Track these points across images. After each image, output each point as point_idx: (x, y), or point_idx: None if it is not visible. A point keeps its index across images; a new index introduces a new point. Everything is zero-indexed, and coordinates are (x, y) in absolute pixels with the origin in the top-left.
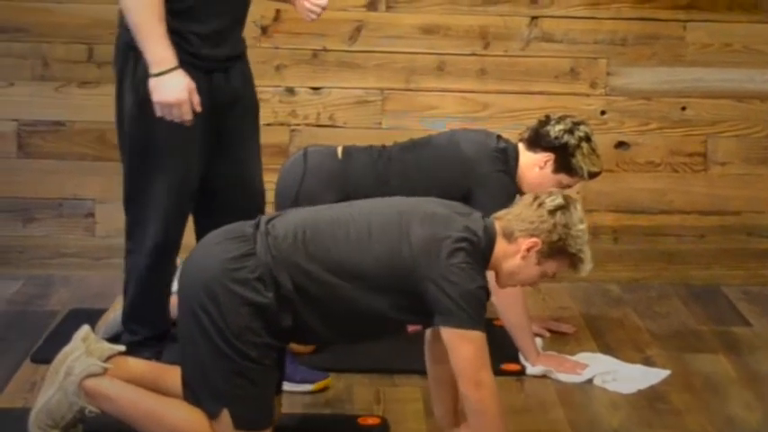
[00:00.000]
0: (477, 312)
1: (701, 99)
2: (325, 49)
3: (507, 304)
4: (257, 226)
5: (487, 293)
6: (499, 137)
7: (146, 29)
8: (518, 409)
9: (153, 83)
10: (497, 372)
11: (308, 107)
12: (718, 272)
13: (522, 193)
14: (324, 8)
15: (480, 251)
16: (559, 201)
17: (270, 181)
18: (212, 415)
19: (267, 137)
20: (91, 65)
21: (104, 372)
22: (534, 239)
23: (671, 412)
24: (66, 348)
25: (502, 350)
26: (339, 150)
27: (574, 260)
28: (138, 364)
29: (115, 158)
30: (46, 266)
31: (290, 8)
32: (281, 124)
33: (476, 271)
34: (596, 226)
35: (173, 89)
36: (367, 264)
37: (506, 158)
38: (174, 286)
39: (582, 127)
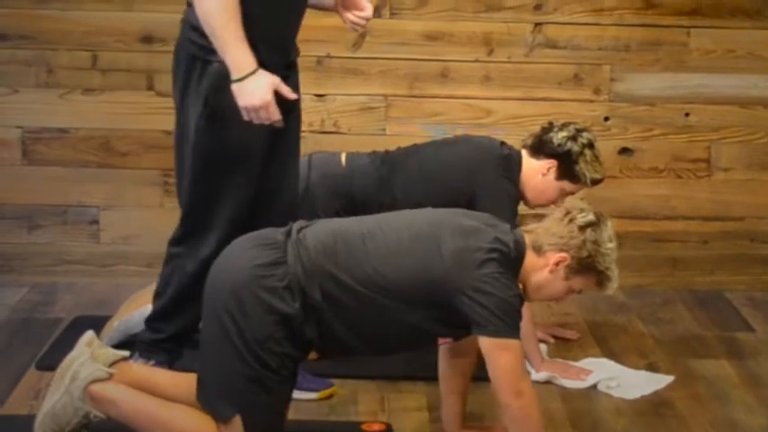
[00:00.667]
0: (513, 321)
1: (705, 105)
2: (329, 56)
3: None
4: (289, 234)
5: (521, 301)
6: (503, 143)
7: (225, 33)
8: None
9: (236, 88)
10: None
11: (313, 114)
12: (722, 278)
13: (524, 199)
14: (368, 20)
15: (511, 261)
16: (591, 217)
17: None
18: (224, 419)
19: None
20: (95, 72)
21: (110, 377)
22: (563, 254)
23: (675, 417)
24: (72, 353)
25: None
26: (343, 157)
27: (601, 277)
28: (142, 370)
29: (119, 165)
30: (50, 274)
31: None
32: None
33: (509, 279)
34: None
35: (256, 92)
36: (399, 276)
37: (509, 165)
38: None
39: (585, 134)
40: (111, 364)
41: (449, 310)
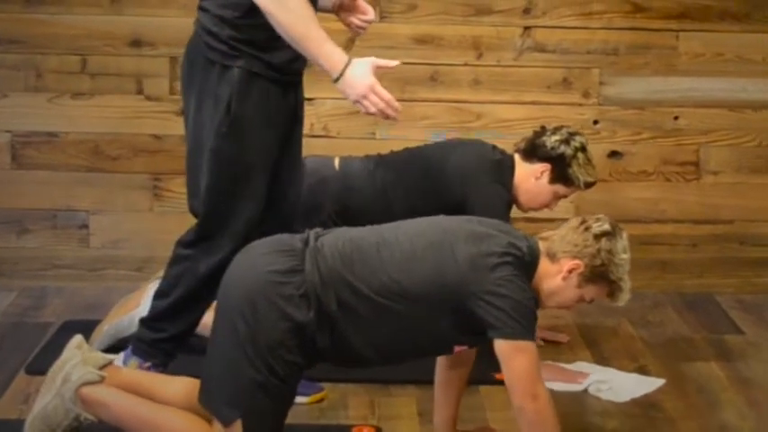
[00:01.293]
0: (528, 323)
1: (694, 108)
2: None
3: None
4: (306, 242)
5: (536, 304)
6: (494, 147)
7: (310, 40)
8: (512, 418)
9: (340, 86)
10: (491, 381)
11: None
12: (712, 280)
13: (518, 203)
14: (371, 23)
15: (525, 265)
16: (606, 227)
17: None
18: (226, 422)
19: None
20: (84, 76)
21: (101, 380)
22: (577, 261)
23: (664, 420)
24: (63, 356)
25: (494, 359)
26: (336, 161)
27: (613, 287)
28: (132, 374)
29: (109, 170)
30: (40, 278)
31: None
32: None
33: (523, 282)
34: None
35: (358, 82)
36: (413, 283)
37: (502, 169)
38: None
39: (577, 137)
40: (102, 368)
41: (464, 316)
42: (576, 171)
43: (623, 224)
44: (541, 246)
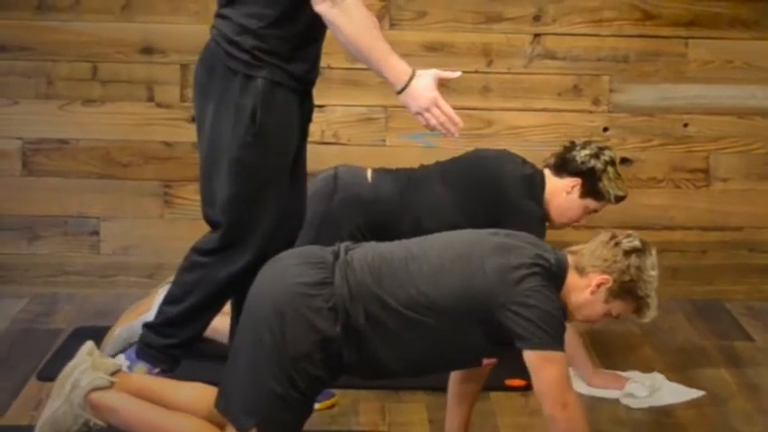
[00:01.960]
0: (557, 332)
1: (703, 116)
2: (329, 67)
3: None
4: (337, 255)
5: (564, 314)
6: (524, 161)
7: (376, 52)
8: (523, 425)
9: (403, 98)
10: (502, 387)
11: (313, 125)
12: (721, 287)
13: (548, 218)
14: None
15: (553, 276)
16: (636, 243)
17: None
18: (241, 430)
19: None
20: (95, 83)
21: (111, 385)
22: (606, 276)
23: (675, 427)
24: (73, 362)
25: (505, 365)
26: (369, 173)
27: (640, 304)
28: (142, 380)
29: (120, 176)
30: (51, 284)
31: None
32: None
33: (552, 293)
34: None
35: (423, 93)
36: (441, 295)
37: (533, 185)
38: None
39: (607, 151)
40: (112, 374)
41: (493, 327)
42: (607, 185)
43: (633, 230)
44: (570, 259)
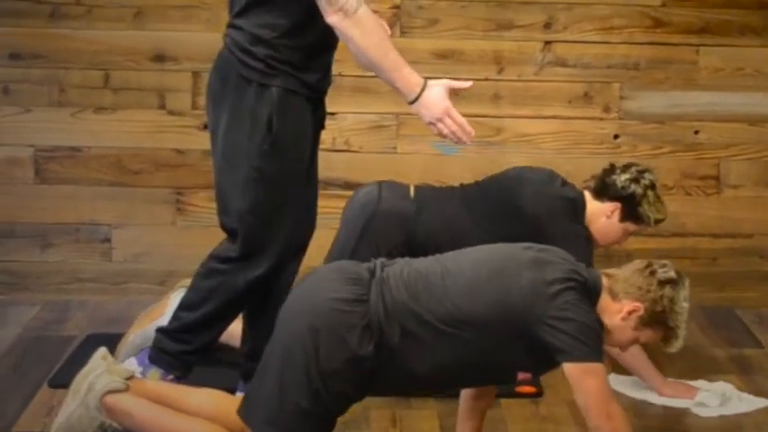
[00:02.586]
0: (596, 344)
1: (714, 123)
2: (340, 75)
3: None
4: (373, 272)
5: (601, 326)
6: (564, 182)
7: (388, 62)
8: (531, 430)
9: (415, 108)
10: (512, 394)
11: (324, 132)
12: (732, 294)
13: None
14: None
15: (588, 291)
16: (672, 274)
17: None
18: None
19: None
20: (107, 91)
21: (126, 388)
22: (638, 304)
23: None
24: (87, 366)
25: None
26: (411, 189)
27: (669, 334)
28: (156, 385)
29: (131, 184)
30: (63, 292)
31: None
32: None
33: (587, 305)
34: (609, 249)
35: (436, 103)
36: (478, 311)
37: (576, 209)
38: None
39: (647, 175)
40: (126, 380)
41: (531, 342)
42: (647, 209)
43: (643, 238)
44: (604, 281)
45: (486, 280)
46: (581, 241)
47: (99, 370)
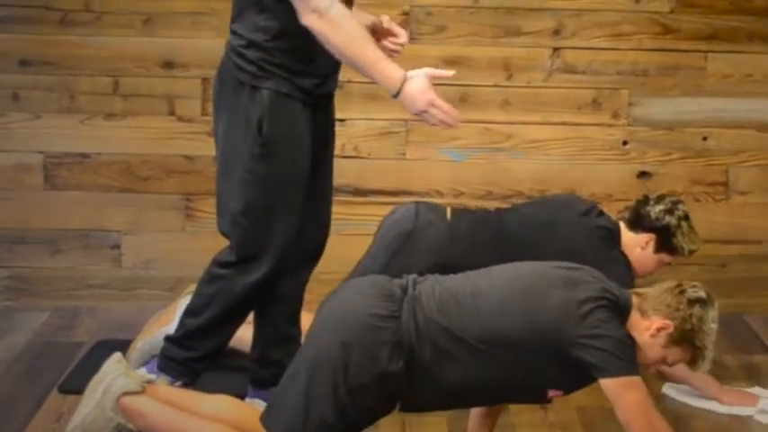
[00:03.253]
0: (631, 359)
1: (723, 129)
2: (349, 81)
3: None
4: (405, 290)
5: (633, 342)
6: (601, 212)
7: (363, 62)
8: None
9: (399, 101)
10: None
11: None
12: (741, 300)
13: None
14: (404, 45)
15: (619, 309)
16: (701, 294)
17: None
18: None
19: None
20: (116, 97)
21: (143, 390)
22: (667, 322)
23: None
24: (103, 369)
25: None
26: (448, 212)
27: (696, 354)
28: (170, 390)
29: (141, 190)
30: (72, 298)
31: None
32: None
33: (618, 322)
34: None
35: (418, 96)
36: (511, 331)
37: (613, 239)
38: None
39: (680, 206)
40: (143, 383)
41: (565, 360)
42: (681, 240)
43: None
44: (634, 300)
45: (517, 299)
46: (621, 267)
47: (116, 372)
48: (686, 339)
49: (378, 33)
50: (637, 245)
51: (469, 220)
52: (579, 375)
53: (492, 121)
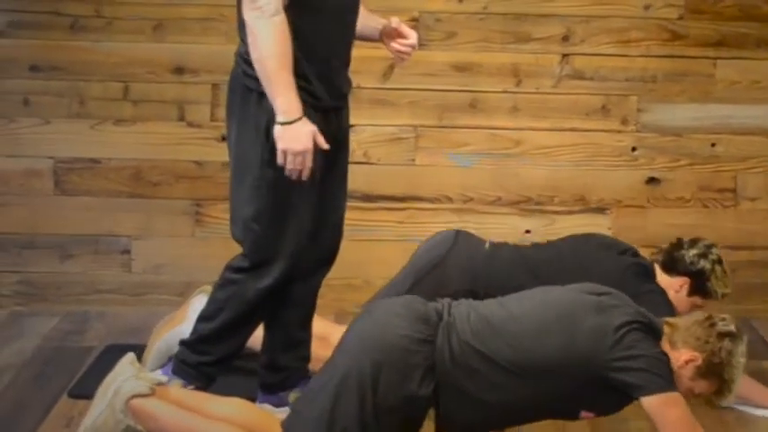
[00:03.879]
0: (669, 375)
1: (731, 135)
2: (359, 87)
3: None
4: (440, 315)
5: (668, 358)
6: (636, 252)
7: (276, 78)
8: None
9: (279, 131)
10: None
11: None
12: (749, 306)
13: None
14: (414, 47)
15: (652, 331)
16: (731, 328)
17: None
18: None
19: None
20: (126, 102)
21: (152, 392)
22: (696, 354)
23: None
24: (115, 371)
25: None
26: (487, 244)
27: (723, 387)
28: (181, 392)
29: (150, 195)
30: (82, 303)
31: None
32: None
33: (653, 340)
34: None
35: (301, 138)
36: (546, 356)
37: (648, 273)
38: None
39: (714, 250)
40: (153, 386)
41: (601, 384)
42: (715, 285)
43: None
44: (665, 329)
45: (551, 324)
46: (658, 296)
47: (127, 374)
48: (714, 372)
49: (387, 35)
50: (671, 287)
51: (506, 251)
52: (615, 399)
53: (501, 127)
